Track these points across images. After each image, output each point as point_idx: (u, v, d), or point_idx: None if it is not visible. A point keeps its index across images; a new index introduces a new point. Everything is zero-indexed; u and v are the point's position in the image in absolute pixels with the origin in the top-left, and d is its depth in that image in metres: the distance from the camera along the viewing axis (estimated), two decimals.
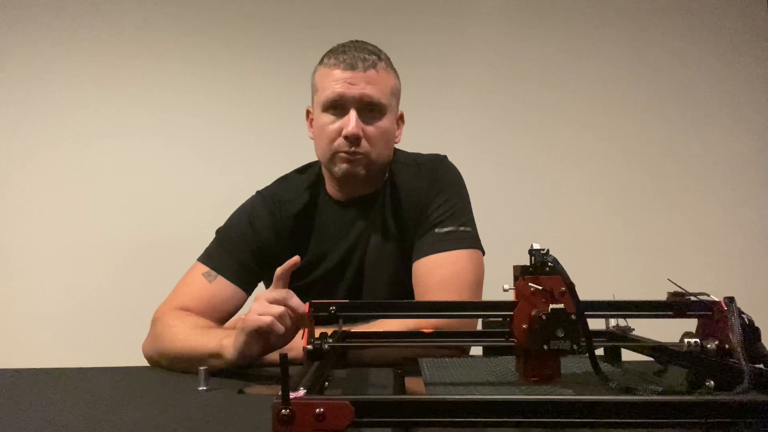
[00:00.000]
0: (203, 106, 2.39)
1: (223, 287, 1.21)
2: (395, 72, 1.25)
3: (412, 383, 0.78)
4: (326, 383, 0.73)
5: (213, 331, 1.08)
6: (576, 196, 2.39)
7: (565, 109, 2.43)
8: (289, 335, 0.94)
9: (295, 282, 1.27)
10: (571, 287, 0.70)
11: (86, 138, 2.35)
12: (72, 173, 2.34)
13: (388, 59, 1.24)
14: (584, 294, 0.70)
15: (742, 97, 2.44)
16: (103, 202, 2.33)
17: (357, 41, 1.24)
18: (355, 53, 1.19)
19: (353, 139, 1.17)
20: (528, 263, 0.74)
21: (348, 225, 1.27)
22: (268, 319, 0.91)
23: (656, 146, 2.43)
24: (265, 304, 0.92)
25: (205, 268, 1.22)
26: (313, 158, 1.33)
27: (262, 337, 0.93)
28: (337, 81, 1.17)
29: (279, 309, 0.91)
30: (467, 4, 2.45)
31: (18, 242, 2.31)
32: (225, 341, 0.99)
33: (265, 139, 2.38)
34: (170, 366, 1.08)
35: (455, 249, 1.18)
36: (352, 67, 1.17)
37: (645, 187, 2.40)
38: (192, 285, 1.21)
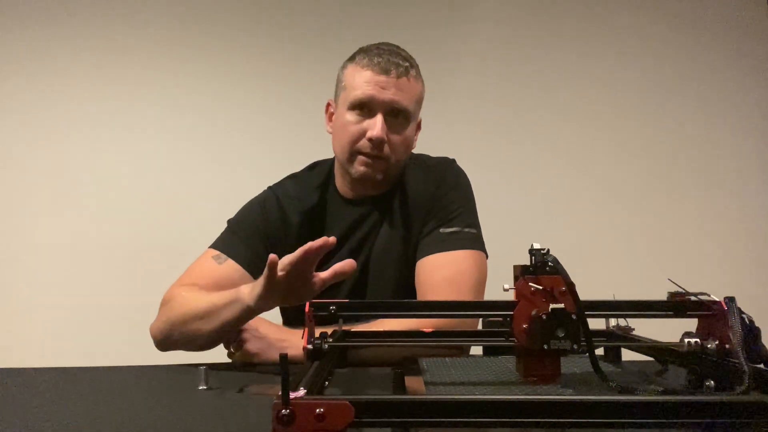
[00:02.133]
0: (206, 106, 2.39)
1: (231, 269, 1.20)
2: (422, 80, 1.25)
3: (412, 383, 0.78)
4: (326, 383, 0.73)
5: (224, 291, 1.08)
6: (576, 196, 2.39)
7: (565, 110, 2.43)
8: (307, 286, 0.93)
9: None
10: (571, 287, 0.70)
11: (87, 137, 2.36)
12: (73, 172, 2.34)
13: (418, 67, 1.24)
14: (584, 294, 0.70)
15: (742, 97, 2.44)
16: (103, 201, 2.33)
17: (391, 45, 1.24)
18: (390, 58, 1.18)
19: (377, 143, 1.17)
20: (528, 263, 0.73)
21: (356, 223, 1.27)
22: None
23: (657, 146, 2.43)
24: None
25: (215, 252, 1.23)
26: (318, 157, 1.34)
27: (283, 283, 0.92)
28: (368, 82, 1.17)
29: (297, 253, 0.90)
30: (469, 3, 2.45)
31: (19, 242, 2.31)
32: (243, 288, 1.00)
33: (268, 138, 2.38)
34: (182, 336, 1.09)
35: (459, 249, 1.19)
36: (386, 72, 1.17)
37: (645, 187, 2.40)
38: (201, 267, 1.22)
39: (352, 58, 1.23)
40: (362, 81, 1.18)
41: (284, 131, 2.33)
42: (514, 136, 2.42)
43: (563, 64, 2.44)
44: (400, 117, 1.19)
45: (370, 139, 1.17)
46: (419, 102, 1.24)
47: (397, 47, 1.24)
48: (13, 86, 2.36)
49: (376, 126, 1.16)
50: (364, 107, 1.18)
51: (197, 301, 1.08)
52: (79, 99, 2.36)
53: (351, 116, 1.19)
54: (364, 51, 1.22)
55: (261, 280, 0.94)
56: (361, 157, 1.20)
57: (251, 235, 1.25)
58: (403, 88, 1.18)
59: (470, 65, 2.44)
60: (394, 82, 1.17)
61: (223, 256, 1.22)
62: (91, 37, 2.39)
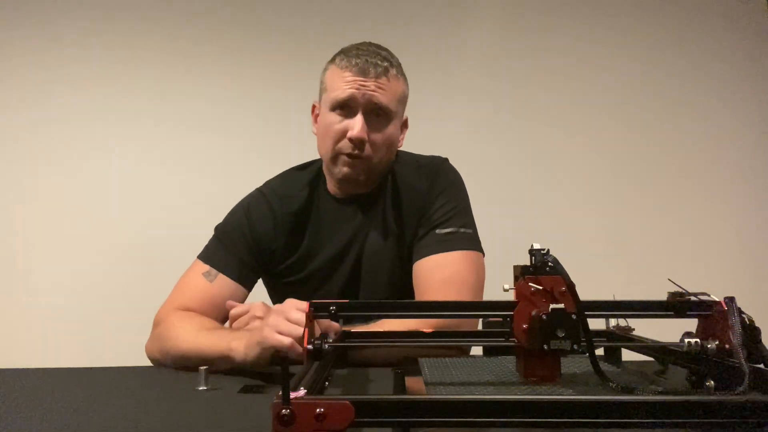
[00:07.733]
0: (202, 105, 2.39)
1: (224, 285, 1.21)
2: (405, 78, 1.25)
3: (412, 383, 0.78)
4: (326, 383, 0.73)
5: (221, 332, 1.08)
6: (576, 196, 2.39)
7: (565, 109, 2.43)
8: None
9: (290, 276, 1.28)
10: (571, 287, 0.70)
11: (86, 137, 2.36)
12: (72, 172, 2.34)
13: (399, 65, 1.24)
14: (584, 294, 0.70)
15: (741, 97, 2.44)
16: (102, 201, 2.33)
17: (371, 44, 1.24)
18: (368, 59, 1.19)
19: (357, 143, 1.18)
20: (528, 263, 0.73)
21: (345, 220, 1.27)
22: (287, 341, 0.89)
23: (657, 146, 2.43)
24: (285, 323, 0.91)
25: (205, 267, 1.23)
26: (312, 157, 1.34)
27: (277, 353, 0.93)
28: (347, 83, 1.18)
29: (300, 330, 0.88)
30: (468, 3, 2.45)
31: (19, 243, 2.31)
32: (234, 344, 0.98)
33: (264, 137, 2.38)
34: (176, 365, 1.09)
35: (456, 250, 1.19)
36: (364, 73, 1.18)
37: (645, 187, 2.40)
38: (193, 284, 1.21)
39: (332, 60, 1.24)
40: (342, 82, 1.18)
41: (283, 131, 2.33)
42: (516, 135, 2.42)
43: (564, 62, 2.44)
44: (381, 116, 1.20)
45: (350, 139, 1.18)
46: (402, 101, 1.24)
47: (378, 46, 1.24)
48: (12, 85, 2.36)
49: (356, 126, 1.17)
50: (345, 107, 1.19)
51: (190, 341, 1.07)
52: (79, 100, 2.36)
53: (333, 117, 1.20)
54: (343, 52, 1.23)
55: (256, 351, 0.93)
56: (343, 158, 1.20)
57: (238, 245, 1.25)
58: (382, 87, 1.18)
59: (470, 63, 2.44)
60: (374, 82, 1.18)
61: (214, 271, 1.22)
62: (90, 39, 2.39)
